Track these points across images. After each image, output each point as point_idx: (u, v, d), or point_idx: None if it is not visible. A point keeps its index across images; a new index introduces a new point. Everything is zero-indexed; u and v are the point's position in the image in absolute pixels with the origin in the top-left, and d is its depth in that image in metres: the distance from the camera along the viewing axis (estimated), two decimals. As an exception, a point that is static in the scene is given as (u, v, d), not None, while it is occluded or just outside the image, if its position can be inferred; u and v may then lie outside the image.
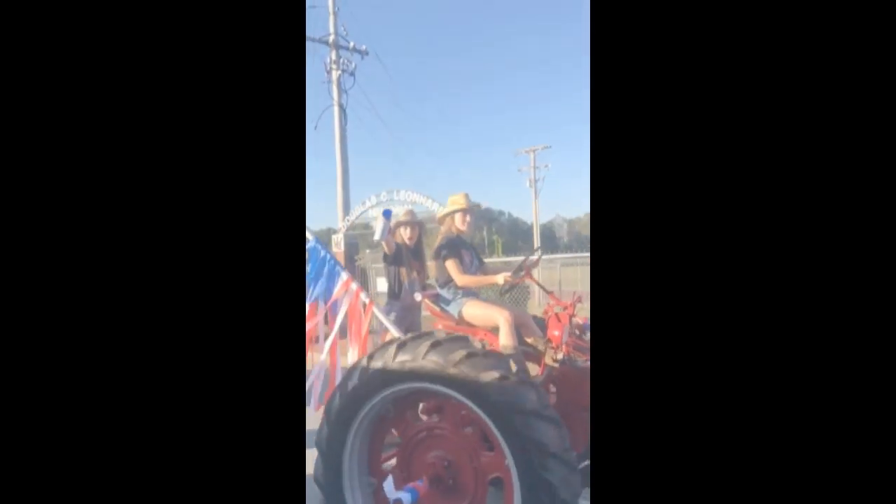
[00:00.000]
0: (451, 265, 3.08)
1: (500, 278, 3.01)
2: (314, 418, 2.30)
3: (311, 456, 2.08)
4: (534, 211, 28.22)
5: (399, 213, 4.47)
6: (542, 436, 1.76)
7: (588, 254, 8.14)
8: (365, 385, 2.03)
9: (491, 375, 1.81)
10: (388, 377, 1.98)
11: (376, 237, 3.65)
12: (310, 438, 1.90)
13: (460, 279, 3.07)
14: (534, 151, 28.12)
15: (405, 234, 4.04)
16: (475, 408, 1.86)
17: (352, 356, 3.16)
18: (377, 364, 2.01)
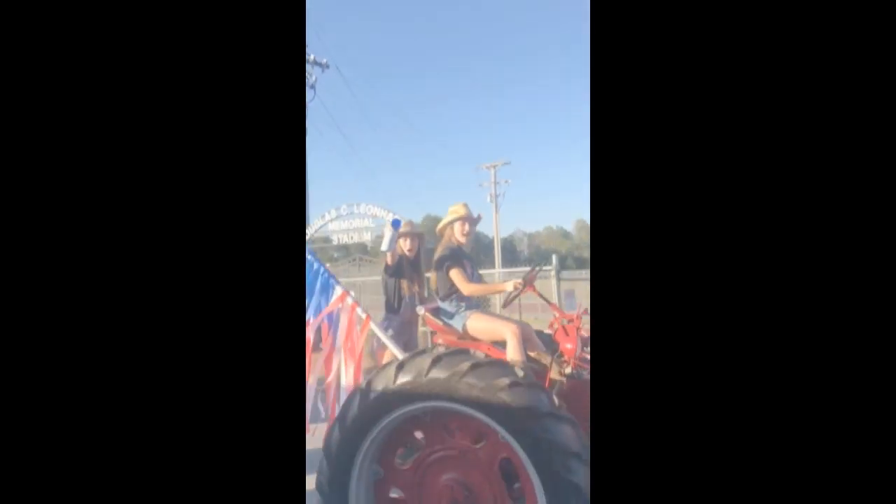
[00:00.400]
0: (455, 274, 2.97)
1: (509, 285, 2.93)
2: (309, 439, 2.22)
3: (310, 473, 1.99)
4: (495, 225, 28.57)
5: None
6: (560, 436, 1.75)
7: (547, 267, 8.29)
8: (381, 401, 1.96)
9: (501, 383, 1.78)
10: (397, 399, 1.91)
11: (384, 248, 3.51)
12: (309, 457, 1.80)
13: (466, 288, 2.96)
14: (494, 167, 28.54)
15: (405, 246, 3.86)
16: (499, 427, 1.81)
17: (344, 373, 2.94)
18: (397, 380, 1.93)
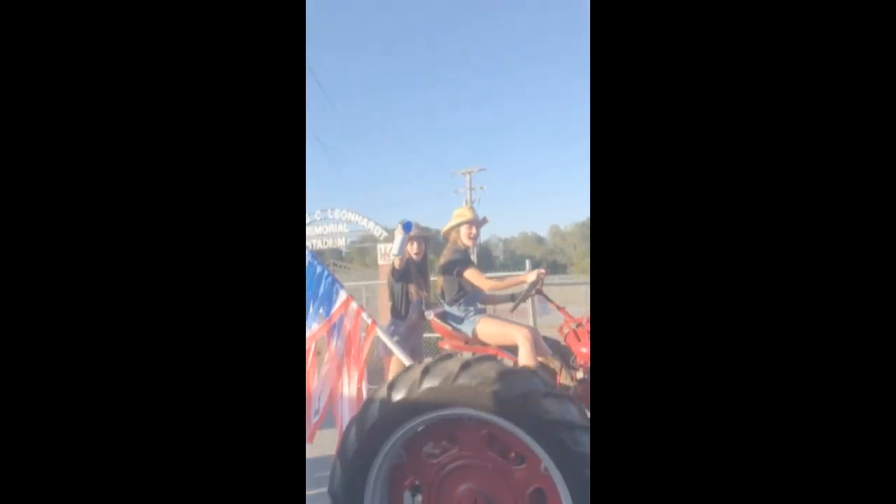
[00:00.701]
0: (472, 274, 2.93)
1: (531, 275, 2.87)
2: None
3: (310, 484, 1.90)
4: (470, 231, 28.56)
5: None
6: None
7: (522, 273, 8.30)
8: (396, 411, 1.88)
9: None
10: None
11: (394, 252, 3.40)
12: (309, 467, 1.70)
13: (486, 284, 2.94)
14: (470, 173, 28.64)
15: (412, 250, 3.76)
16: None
17: (347, 381, 2.82)
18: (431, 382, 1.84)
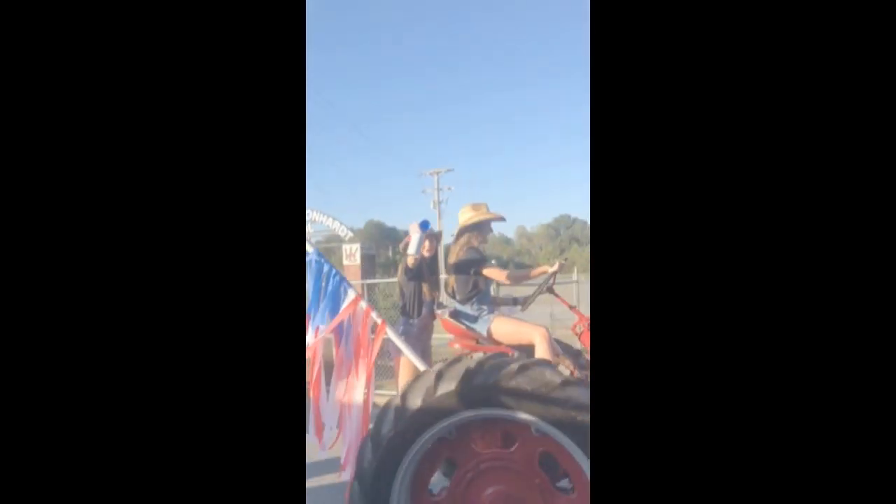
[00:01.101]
0: (492, 272, 2.94)
1: (555, 266, 2.90)
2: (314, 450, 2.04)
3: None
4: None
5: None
6: None
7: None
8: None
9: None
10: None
11: (411, 251, 3.28)
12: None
13: (507, 279, 2.98)
14: (437, 174, 28.68)
15: (423, 247, 3.60)
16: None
17: (356, 385, 2.67)
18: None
